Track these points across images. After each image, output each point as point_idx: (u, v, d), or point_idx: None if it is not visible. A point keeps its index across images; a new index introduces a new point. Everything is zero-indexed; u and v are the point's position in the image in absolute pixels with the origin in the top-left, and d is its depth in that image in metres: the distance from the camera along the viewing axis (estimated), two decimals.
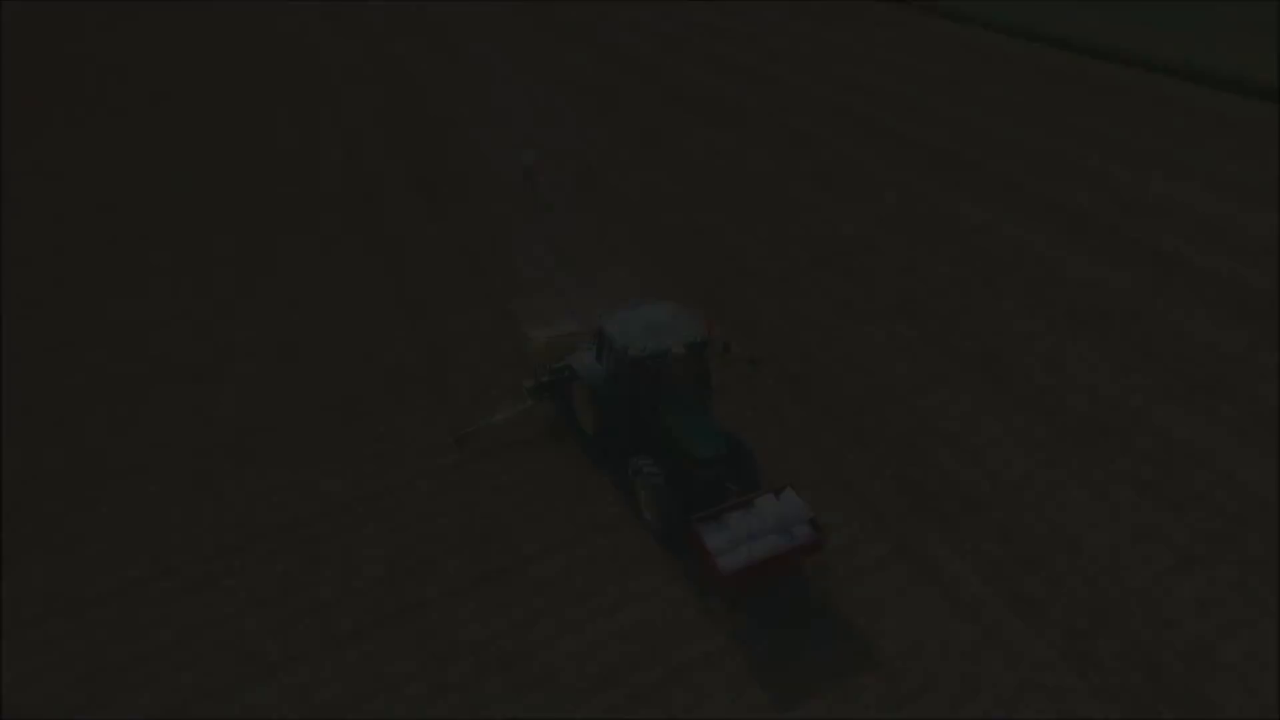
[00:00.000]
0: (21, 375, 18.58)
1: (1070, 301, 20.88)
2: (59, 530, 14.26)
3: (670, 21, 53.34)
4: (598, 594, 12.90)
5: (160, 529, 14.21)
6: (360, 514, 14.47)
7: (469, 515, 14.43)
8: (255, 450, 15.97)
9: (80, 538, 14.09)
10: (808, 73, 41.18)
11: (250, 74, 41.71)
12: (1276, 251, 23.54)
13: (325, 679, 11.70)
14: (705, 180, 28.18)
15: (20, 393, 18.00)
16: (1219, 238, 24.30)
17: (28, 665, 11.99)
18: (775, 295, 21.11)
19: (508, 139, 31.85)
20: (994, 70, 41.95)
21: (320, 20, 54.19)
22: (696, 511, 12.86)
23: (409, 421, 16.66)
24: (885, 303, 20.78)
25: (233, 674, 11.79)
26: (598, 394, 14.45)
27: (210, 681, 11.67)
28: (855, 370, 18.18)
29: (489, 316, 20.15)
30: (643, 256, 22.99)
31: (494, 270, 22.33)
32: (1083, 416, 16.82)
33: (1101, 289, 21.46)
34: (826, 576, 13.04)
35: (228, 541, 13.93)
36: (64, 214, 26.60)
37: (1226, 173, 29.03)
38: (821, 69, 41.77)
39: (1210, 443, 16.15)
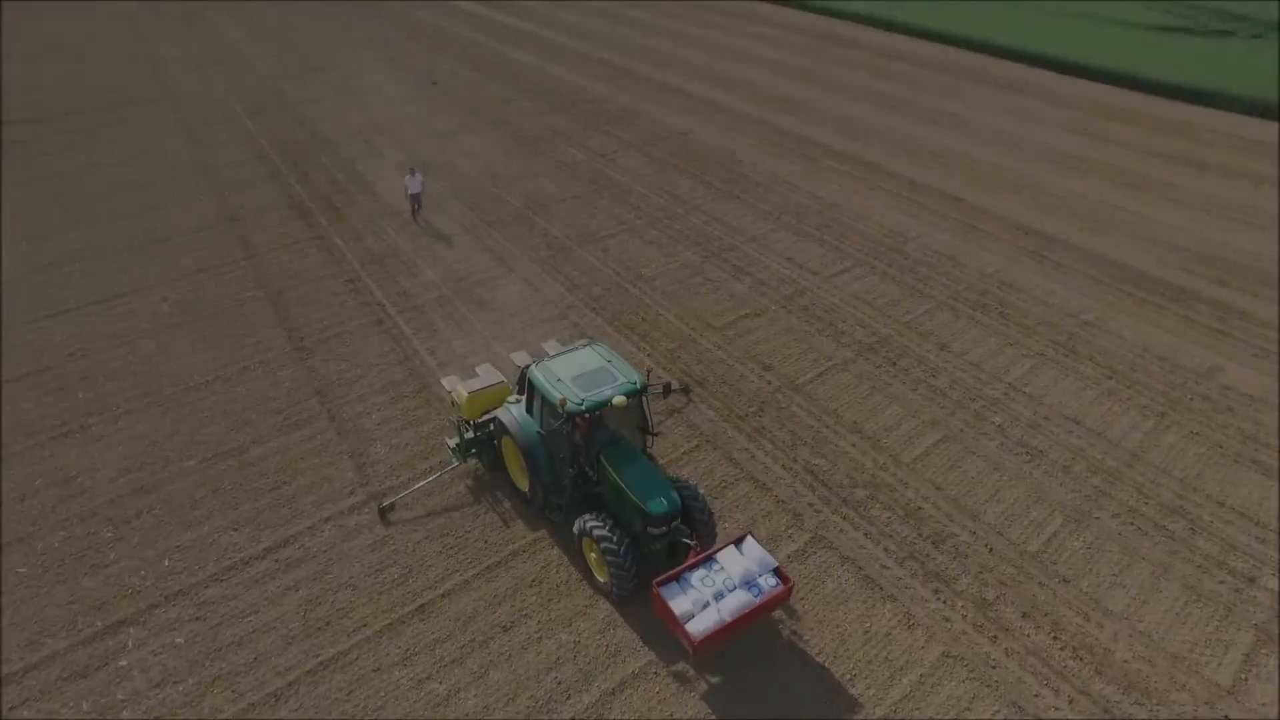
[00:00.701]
0: None
1: (950, 280, 22.05)
2: None
3: (519, 17, 52.86)
4: (523, 622, 12.67)
5: (36, 613, 12.95)
6: (264, 569, 13.64)
7: (381, 554, 13.86)
8: (140, 512, 14.79)
9: None
10: (672, 66, 41.74)
11: (78, 90, 38.49)
12: (1106, 216, 25.63)
13: None
14: (588, 186, 28.09)
15: None
16: (1066, 209, 26.24)
17: None
18: (670, 296, 21.29)
19: (383, 152, 30.75)
20: (899, 72, 43.75)
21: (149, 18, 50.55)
22: (654, 571, 12.25)
23: (307, 464, 15.85)
24: (777, 295, 21.32)
25: None
26: (533, 452, 13.55)
27: None
28: (756, 364, 18.57)
29: (377, 345, 19.41)
30: (536, 270, 22.70)
31: (382, 295, 21.52)
32: (969, 390, 17.79)
33: (967, 265, 22.79)
34: None
35: (118, 616, 12.85)
36: None
37: (1039, 142, 31.40)
38: (686, 61, 42.41)
39: (1080, 403, 17.43)
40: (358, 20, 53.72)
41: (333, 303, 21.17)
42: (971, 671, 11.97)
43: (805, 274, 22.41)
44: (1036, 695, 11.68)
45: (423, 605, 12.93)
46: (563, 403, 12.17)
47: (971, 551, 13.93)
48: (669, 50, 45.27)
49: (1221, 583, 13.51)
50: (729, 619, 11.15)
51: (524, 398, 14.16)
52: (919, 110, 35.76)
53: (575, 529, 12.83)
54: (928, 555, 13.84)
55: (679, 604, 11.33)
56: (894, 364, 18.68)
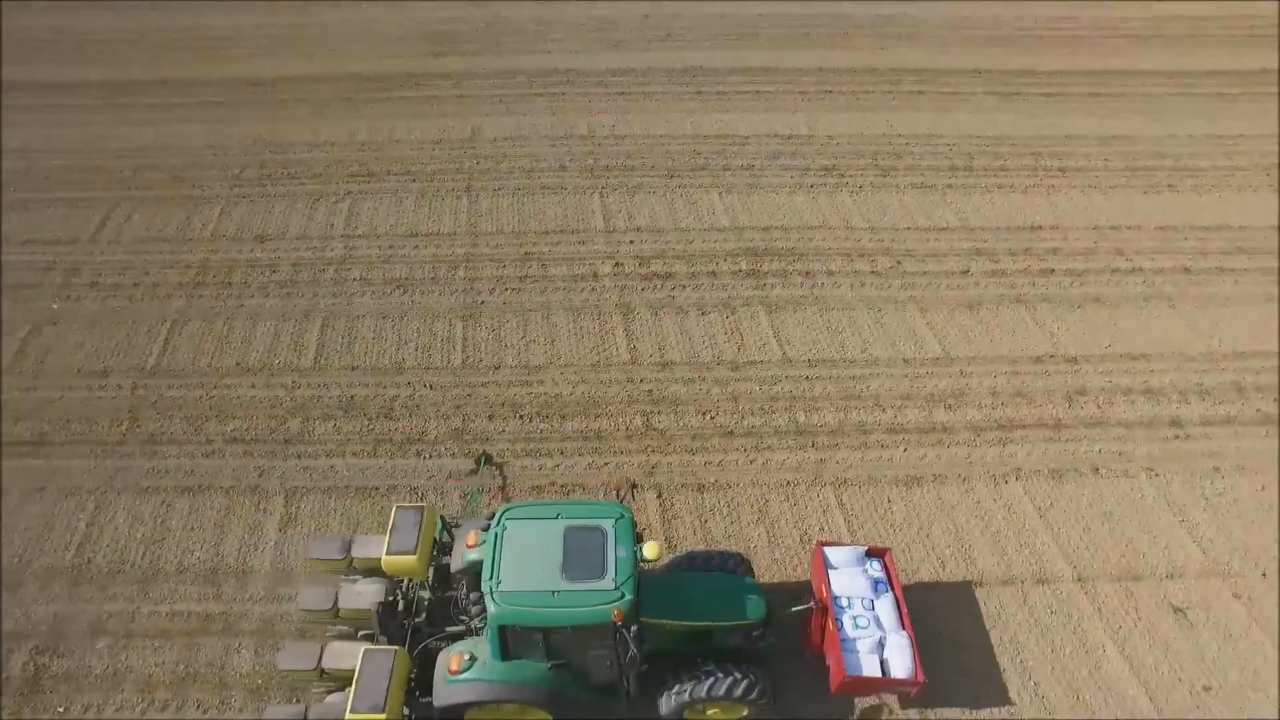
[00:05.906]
0: None
1: (220, 170, 20.01)
2: None
3: None
4: None
5: None
6: None
7: None
8: None
9: None
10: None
11: None
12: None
13: None
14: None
15: None
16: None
17: None
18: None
19: None
20: None
21: None
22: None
23: None
24: (49, 289, 17.00)
25: None
26: (555, 694, 9.58)
27: None
28: (89, 378, 15.02)
29: None
30: None
31: None
32: (313, 264, 17.23)
33: (229, 147, 21.01)
34: None
35: None
36: None
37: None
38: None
39: (405, 215, 18.30)
40: None
41: None
42: (492, 496, 12.87)
43: (63, 248, 17.72)
44: (540, 469, 13.27)
45: None
46: (618, 615, 8.77)
47: (419, 399, 14.41)
48: None
49: (583, 298, 16.26)
50: (909, 631, 10.18)
51: (495, 644, 9.33)
52: None
53: (666, 710, 9.86)
54: (390, 430, 13.93)
55: (869, 666, 9.96)
56: (229, 284, 16.82)
